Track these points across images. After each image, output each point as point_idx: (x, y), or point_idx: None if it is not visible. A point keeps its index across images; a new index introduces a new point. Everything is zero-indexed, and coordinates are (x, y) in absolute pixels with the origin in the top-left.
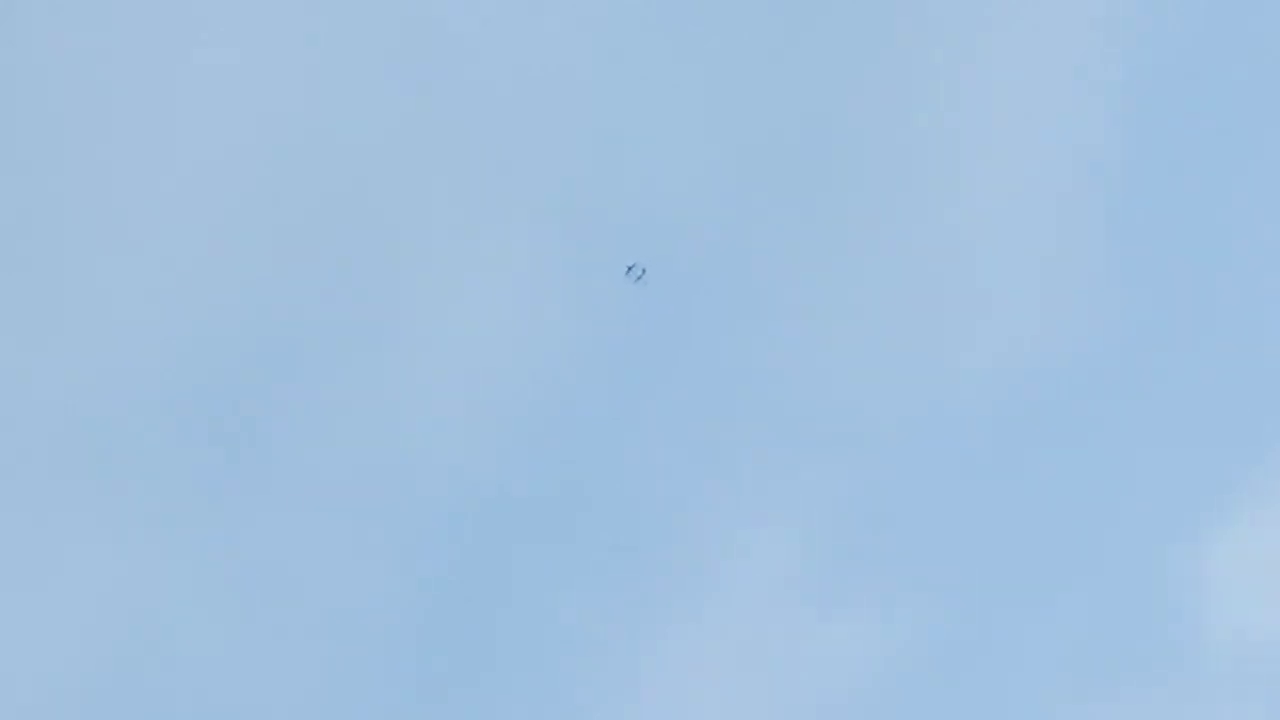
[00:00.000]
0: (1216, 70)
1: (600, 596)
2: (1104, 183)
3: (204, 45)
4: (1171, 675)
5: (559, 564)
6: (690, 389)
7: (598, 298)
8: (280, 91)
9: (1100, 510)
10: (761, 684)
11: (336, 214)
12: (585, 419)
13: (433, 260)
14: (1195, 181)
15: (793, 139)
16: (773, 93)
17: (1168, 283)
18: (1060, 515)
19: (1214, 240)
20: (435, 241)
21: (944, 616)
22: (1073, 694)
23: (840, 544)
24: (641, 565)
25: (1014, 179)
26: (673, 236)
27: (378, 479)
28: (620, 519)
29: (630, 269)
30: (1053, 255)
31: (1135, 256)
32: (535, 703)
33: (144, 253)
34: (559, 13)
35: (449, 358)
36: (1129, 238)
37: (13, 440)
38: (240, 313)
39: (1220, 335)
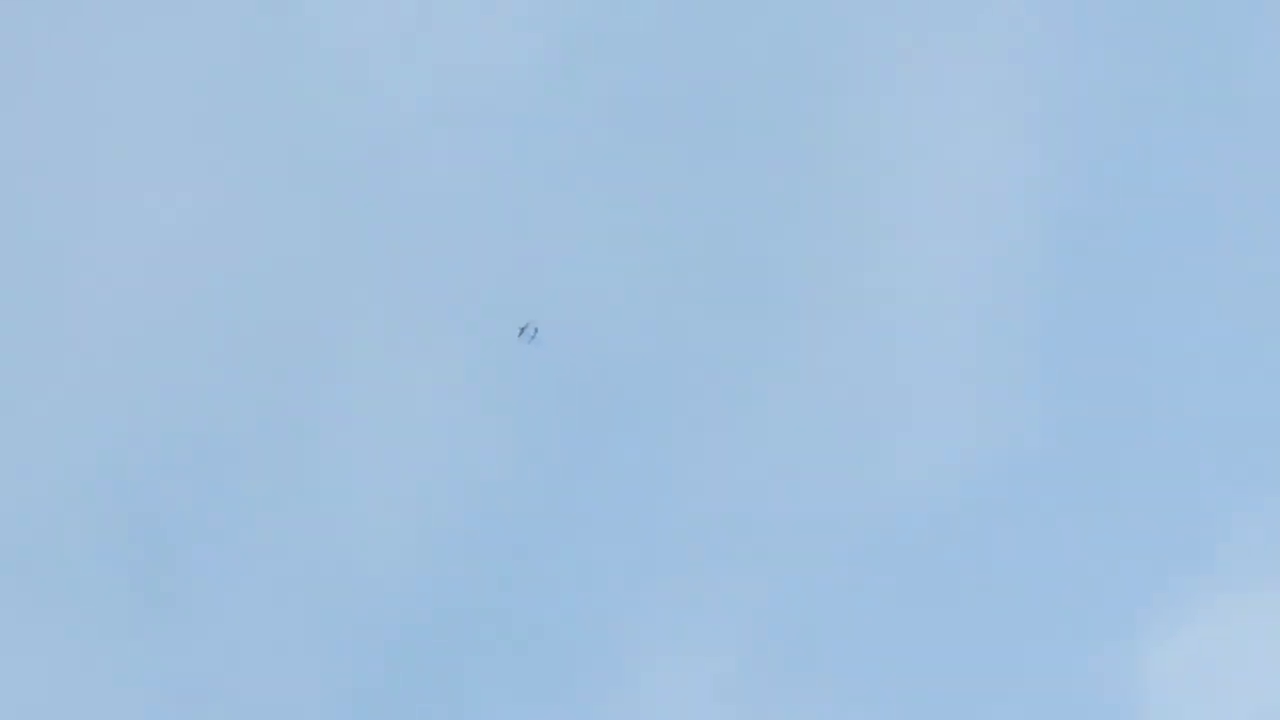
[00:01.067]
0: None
1: (535, 711)
2: (1032, 277)
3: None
4: None
5: (490, 678)
6: (618, 500)
7: (524, 408)
8: (205, 190)
9: (1036, 614)
10: None
11: (264, 319)
12: (516, 533)
13: (361, 368)
14: (1127, 275)
15: (713, 241)
16: (689, 192)
17: (1102, 380)
18: (996, 620)
19: (1150, 337)
20: (365, 349)
21: None
22: None
23: (772, 656)
24: (573, 678)
25: (940, 276)
26: (596, 344)
27: (312, 592)
28: (552, 631)
29: (523, 330)
30: (981, 355)
31: (1068, 353)
32: None
33: (66, 353)
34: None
35: (377, 468)
36: (1060, 334)
37: None
38: (166, 421)
39: (1158, 434)
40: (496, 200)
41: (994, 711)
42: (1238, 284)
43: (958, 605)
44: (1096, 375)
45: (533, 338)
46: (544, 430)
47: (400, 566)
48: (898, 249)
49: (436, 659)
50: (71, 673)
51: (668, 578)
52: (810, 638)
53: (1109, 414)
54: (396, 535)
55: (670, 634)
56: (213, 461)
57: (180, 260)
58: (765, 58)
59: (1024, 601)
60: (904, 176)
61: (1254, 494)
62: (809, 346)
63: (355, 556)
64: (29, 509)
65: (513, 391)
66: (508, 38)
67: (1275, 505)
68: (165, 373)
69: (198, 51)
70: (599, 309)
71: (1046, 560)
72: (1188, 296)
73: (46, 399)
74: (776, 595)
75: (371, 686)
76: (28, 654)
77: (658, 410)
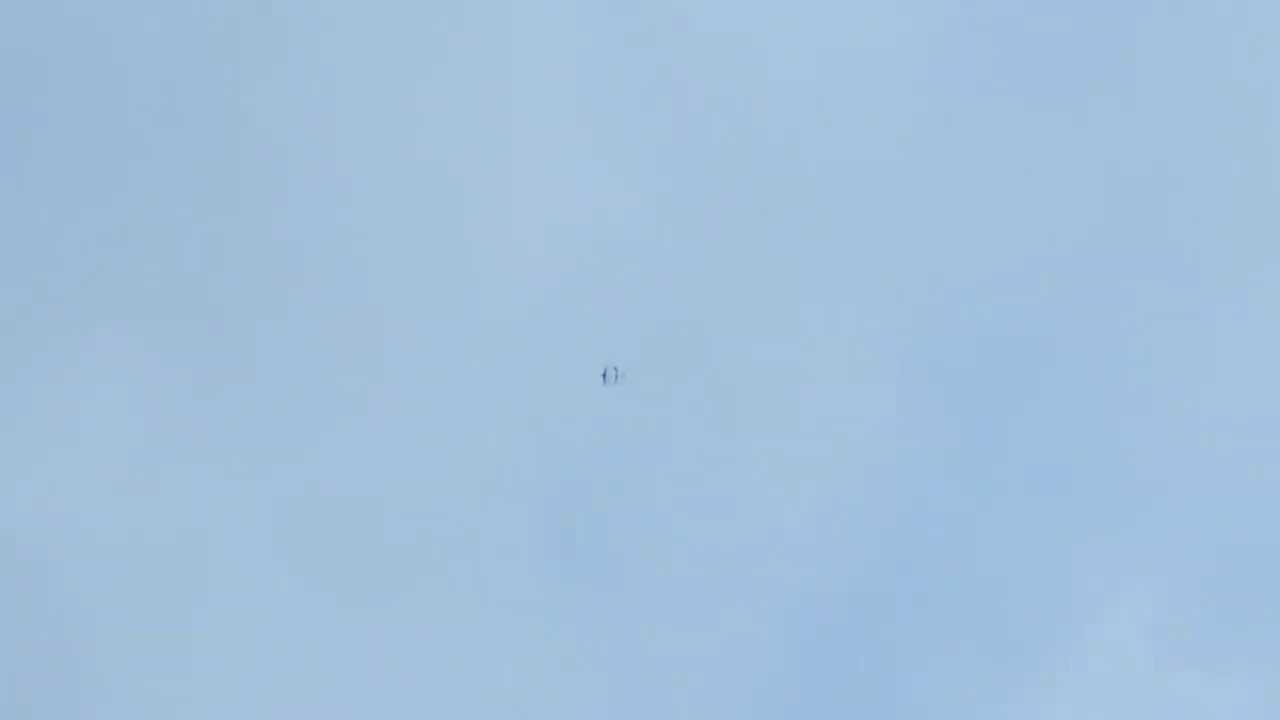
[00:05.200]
0: None
1: (969, 666)
2: None
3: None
4: None
5: (920, 641)
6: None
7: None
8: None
9: None
10: None
11: (678, 312)
12: (931, 505)
13: (771, 367)
14: None
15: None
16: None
17: None
18: None
19: None
20: (772, 335)
21: None
22: None
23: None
24: (1007, 634)
25: None
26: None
27: (730, 569)
28: (979, 594)
29: (605, 374)
30: None
31: None
32: None
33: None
34: None
35: (787, 451)
36: None
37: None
38: (589, 410)
39: None
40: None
41: None
42: None
43: None
44: None
45: (615, 380)
46: (941, 403)
47: (810, 543)
48: None
49: (859, 633)
50: (508, 644)
51: (1094, 537)
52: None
53: None
54: (807, 514)
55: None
56: (633, 447)
57: (602, 258)
58: None
59: None
60: None
61: None
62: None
63: (768, 536)
64: (466, 497)
65: (914, 370)
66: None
67: None
68: (583, 363)
69: (583, 49)
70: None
71: None
72: None
73: (479, 392)
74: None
75: (789, 664)
76: (470, 629)
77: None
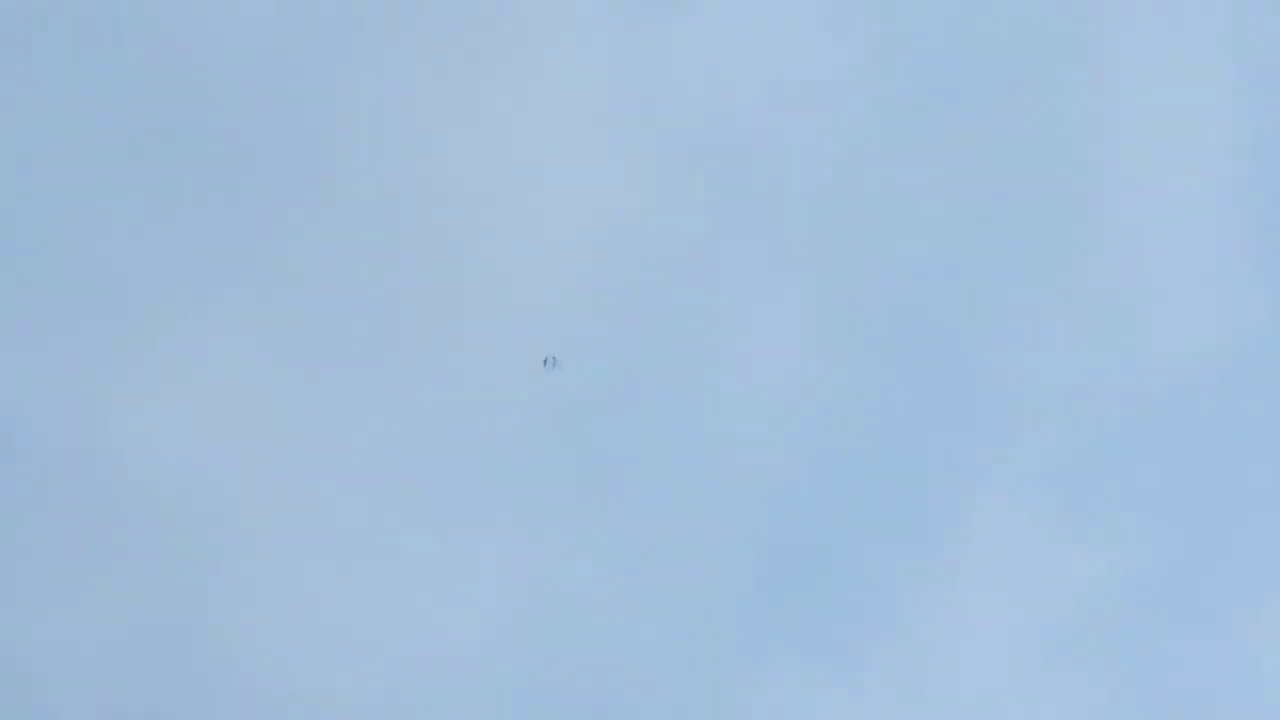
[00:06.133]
0: None
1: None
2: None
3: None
4: None
5: (857, 520)
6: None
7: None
8: None
9: None
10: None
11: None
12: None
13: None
14: None
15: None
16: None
17: None
18: None
19: None
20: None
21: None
22: None
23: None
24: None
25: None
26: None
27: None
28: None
29: (546, 361)
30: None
31: None
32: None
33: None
34: None
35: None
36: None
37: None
38: (599, 366)
39: None
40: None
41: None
42: None
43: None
44: None
45: (554, 367)
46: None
47: (769, 448)
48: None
49: (811, 515)
50: (540, 535)
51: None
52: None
53: None
54: (768, 426)
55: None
56: (633, 385)
57: (602, 240)
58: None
59: None
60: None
61: None
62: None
63: (737, 447)
64: (505, 424)
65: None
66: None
67: None
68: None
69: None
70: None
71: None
72: None
73: (512, 347)
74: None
75: (759, 544)
76: (511, 523)
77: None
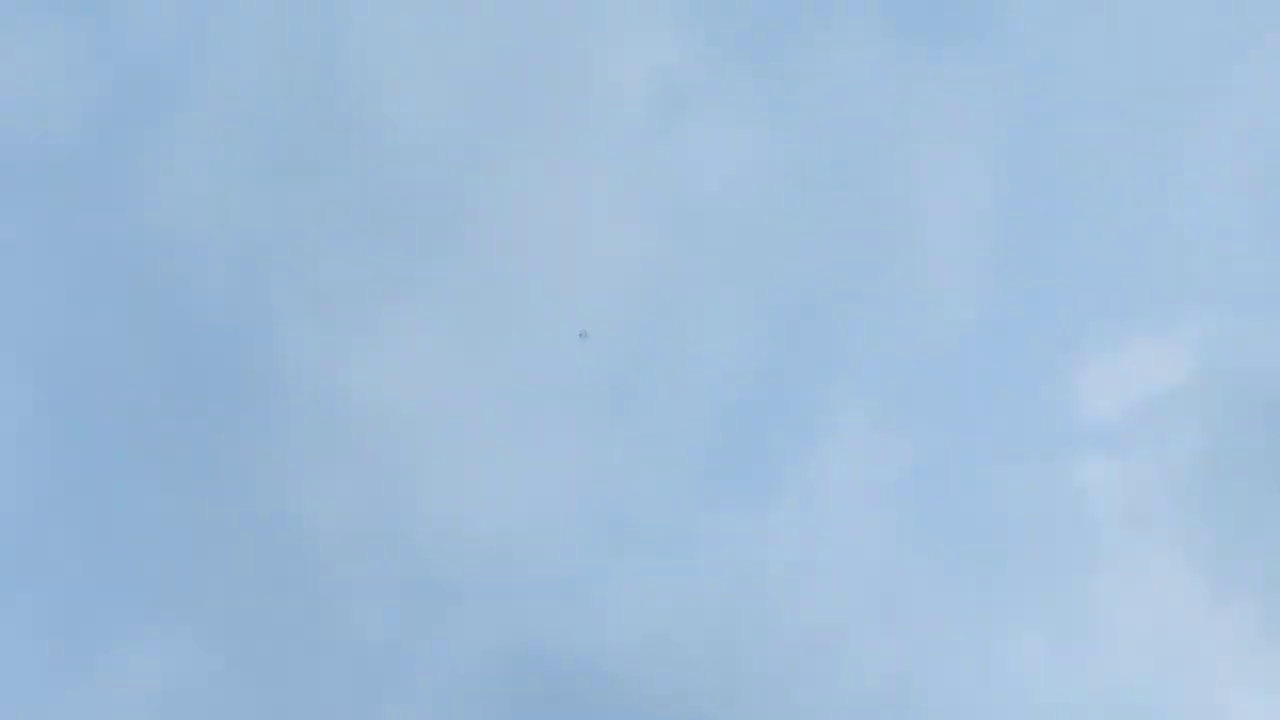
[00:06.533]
0: None
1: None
2: None
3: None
4: None
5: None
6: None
7: None
8: None
9: None
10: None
11: None
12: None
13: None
14: None
15: None
16: None
17: None
18: None
19: None
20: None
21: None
22: None
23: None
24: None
25: None
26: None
27: None
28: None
29: (581, 334)
30: None
31: None
32: None
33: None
34: None
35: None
36: None
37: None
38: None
39: None
40: None
41: None
42: None
43: None
44: None
45: (585, 338)
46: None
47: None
48: None
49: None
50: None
51: None
52: None
53: None
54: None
55: None
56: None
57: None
58: None
59: None
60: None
61: None
62: None
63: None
64: (551, 365)
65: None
66: None
67: None
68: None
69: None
70: None
71: None
72: None
73: (571, 299)
74: None
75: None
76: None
77: None
